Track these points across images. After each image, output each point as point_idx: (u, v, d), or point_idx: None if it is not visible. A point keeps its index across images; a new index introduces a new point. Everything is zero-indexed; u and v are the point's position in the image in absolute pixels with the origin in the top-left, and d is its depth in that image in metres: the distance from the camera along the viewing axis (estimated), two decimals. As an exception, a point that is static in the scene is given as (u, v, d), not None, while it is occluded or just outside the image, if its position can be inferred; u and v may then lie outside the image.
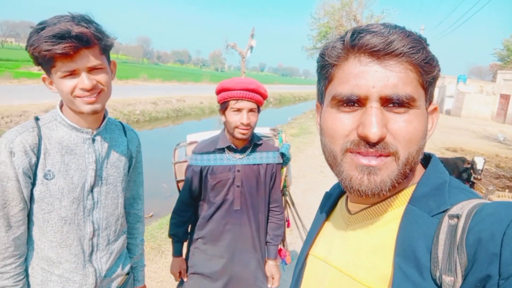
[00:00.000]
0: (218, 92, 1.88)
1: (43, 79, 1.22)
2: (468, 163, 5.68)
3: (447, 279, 0.52)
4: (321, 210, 0.86)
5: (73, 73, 1.15)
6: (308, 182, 6.79)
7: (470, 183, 5.67)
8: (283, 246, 2.32)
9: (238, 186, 1.94)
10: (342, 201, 0.81)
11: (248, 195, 1.96)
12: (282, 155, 2.06)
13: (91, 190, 1.29)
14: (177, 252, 2.05)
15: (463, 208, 0.56)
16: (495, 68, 32.99)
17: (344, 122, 0.63)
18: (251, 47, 20.61)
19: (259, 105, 1.86)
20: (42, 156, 1.19)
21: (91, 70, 1.17)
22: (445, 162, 5.97)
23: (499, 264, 0.47)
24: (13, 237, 1.19)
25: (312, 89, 69.69)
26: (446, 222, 0.56)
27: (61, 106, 1.27)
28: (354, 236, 0.70)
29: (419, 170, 0.69)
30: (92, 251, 1.33)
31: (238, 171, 1.93)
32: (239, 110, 1.81)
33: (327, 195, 0.88)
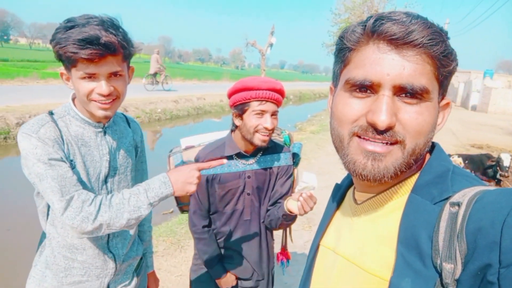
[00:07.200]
0: (237, 91, 1.65)
1: (61, 74, 1.25)
2: (493, 160, 5.53)
3: (447, 267, 0.52)
4: (331, 201, 0.88)
5: (92, 77, 1.17)
6: (327, 180, 6.74)
7: (496, 180, 5.51)
8: (285, 245, 2.12)
9: (248, 194, 1.77)
10: (350, 192, 0.82)
11: (256, 203, 1.81)
12: (294, 155, 1.88)
13: (105, 181, 1.35)
14: (221, 273, 1.84)
15: (464, 195, 0.56)
16: (525, 61, 31.63)
17: (354, 107, 0.63)
18: (271, 45, 20.52)
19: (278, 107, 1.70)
20: (65, 146, 1.23)
21: (110, 75, 1.20)
22: (470, 159, 5.83)
23: (499, 252, 0.47)
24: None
25: (332, 86, 68.44)
26: (447, 209, 0.56)
27: (73, 99, 1.31)
28: (360, 226, 0.72)
29: (425, 159, 0.69)
30: (109, 238, 1.39)
31: (249, 177, 1.76)
32: (262, 112, 1.61)
33: (337, 186, 0.89)
